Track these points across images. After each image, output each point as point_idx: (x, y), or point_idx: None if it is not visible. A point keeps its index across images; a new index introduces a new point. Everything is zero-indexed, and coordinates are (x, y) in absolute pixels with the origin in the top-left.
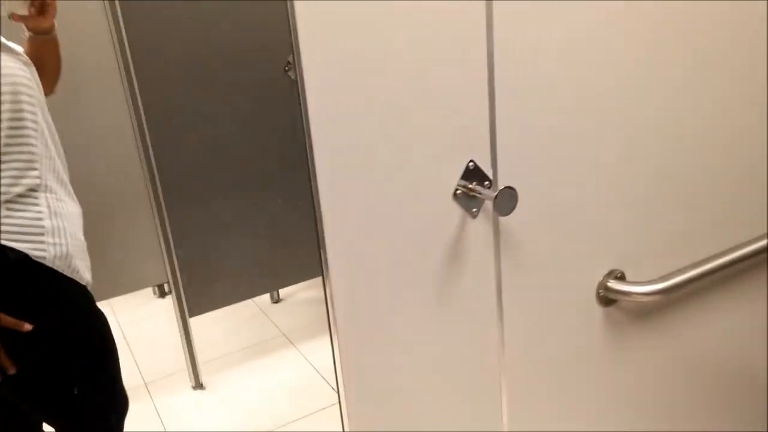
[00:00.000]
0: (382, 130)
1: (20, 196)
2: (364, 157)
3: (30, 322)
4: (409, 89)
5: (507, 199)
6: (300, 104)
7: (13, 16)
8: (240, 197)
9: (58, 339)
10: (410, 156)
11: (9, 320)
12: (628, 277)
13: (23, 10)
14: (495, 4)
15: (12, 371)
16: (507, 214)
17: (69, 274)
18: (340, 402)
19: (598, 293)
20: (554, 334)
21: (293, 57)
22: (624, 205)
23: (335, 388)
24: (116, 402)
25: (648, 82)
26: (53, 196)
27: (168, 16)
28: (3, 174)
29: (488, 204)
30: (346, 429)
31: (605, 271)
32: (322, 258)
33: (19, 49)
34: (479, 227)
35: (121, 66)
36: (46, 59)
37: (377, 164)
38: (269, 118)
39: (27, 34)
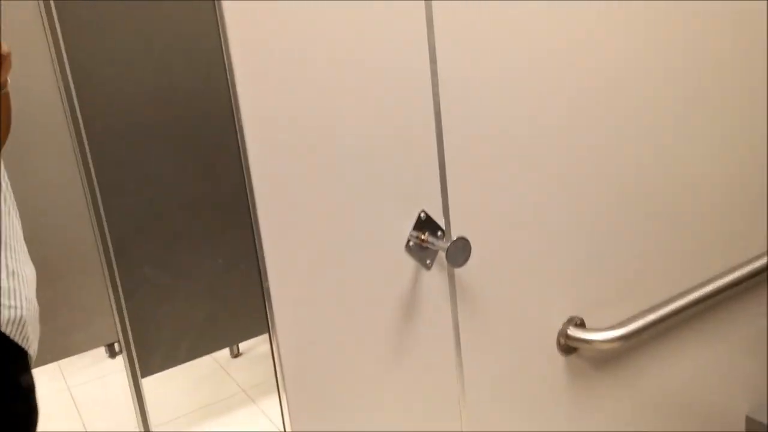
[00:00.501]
0: (328, 181)
1: None
2: (310, 208)
3: None
4: (355, 136)
5: (460, 250)
6: (241, 160)
7: None
8: (190, 254)
9: None
10: (359, 207)
11: None
12: (588, 324)
13: None
14: (438, 46)
15: None
16: (461, 265)
17: (18, 342)
18: None
19: (559, 341)
20: (516, 385)
21: (233, 111)
22: (580, 251)
23: None
24: None
25: (598, 127)
26: (12, 255)
27: (119, 74)
28: None
29: (442, 255)
30: None
31: (564, 319)
32: (268, 315)
33: None
34: (434, 278)
35: (71, 123)
36: None
37: (324, 215)
38: (216, 174)
39: None
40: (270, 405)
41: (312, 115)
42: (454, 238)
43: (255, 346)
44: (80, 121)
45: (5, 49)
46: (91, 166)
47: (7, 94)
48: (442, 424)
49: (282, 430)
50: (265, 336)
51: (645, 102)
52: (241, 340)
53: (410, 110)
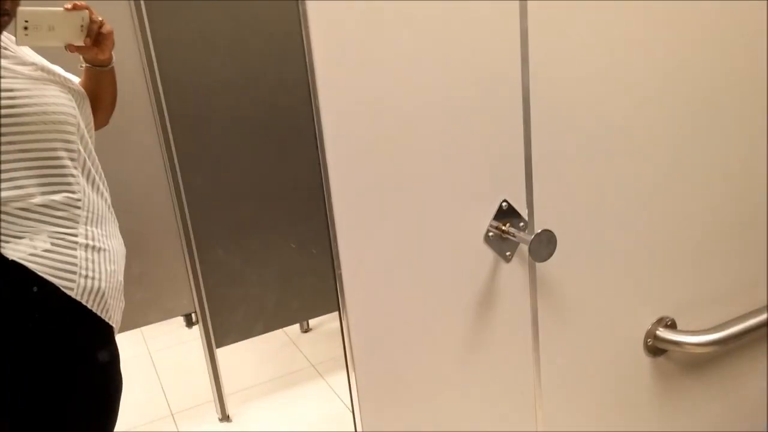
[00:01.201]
0: (406, 168)
1: (61, 228)
2: (387, 195)
3: (41, 360)
4: (437, 124)
5: (544, 243)
6: (318, 145)
7: (69, 47)
8: (267, 231)
9: (62, 381)
10: (438, 195)
11: None
12: (680, 326)
13: (79, 41)
14: (530, 39)
15: None
16: (545, 259)
17: (98, 312)
18: None
19: (646, 342)
20: (597, 386)
21: (311, 97)
22: (675, 248)
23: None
24: None
25: (702, 119)
26: (97, 230)
27: (198, 53)
28: (37, 190)
29: (523, 247)
30: None
31: (654, 319)
32: (340, 300)
33: (76, 79)
34: (513, 272)
35: (155, 107)
36: (101, 91)
37: (400, 202)
38: (291, 156)
39: (83, 65)
40: (337, 381)
41: (392, 103)
42: (538, 231)
43: (325, 323)
44: (164, 104)
45: (108, 27)
46: (173, 148)
47: (111, 71)
48: (516, 422)
49: (350, 406)
50: (335, 314)
51: (745, 100)
52: (311, 317)
53: (497, 98)
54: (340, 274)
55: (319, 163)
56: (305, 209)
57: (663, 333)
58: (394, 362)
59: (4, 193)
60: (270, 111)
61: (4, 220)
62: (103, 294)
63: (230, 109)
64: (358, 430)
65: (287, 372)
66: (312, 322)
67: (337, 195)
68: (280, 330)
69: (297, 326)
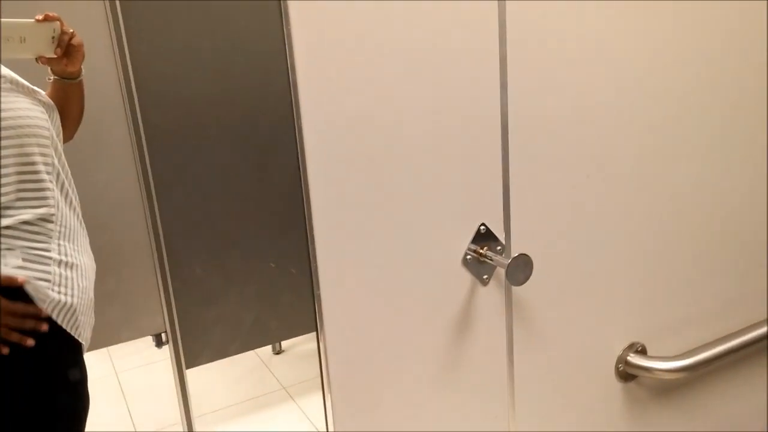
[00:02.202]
0: (386, 189)
1: (35, 243)
2: (365, 215)
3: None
4: (418, 146)
5: (521, 267)
6: (299, 163)
7: (40, 59)
8: (240, 251)
9: (29, 397)
10: (417, 217)
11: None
12: (650, 351)
13: (50, 53)
14: (509, 65)
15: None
16: (521, 283)
17: (68, 329)
18: None
19: (617, 368)
20: (569, 410)
21: (293, 113)
22: (645, 275)
23: None
24: None
25: (677, 140)
26: (69, 245)
27: (176, 66)
28: (17, 209)
29: (500, 271)
30: None
31: (625, 344)
32: (318, 321)
33: (42, 92)
34: (489, 295)
35: (130, 119)
36: (68, 104)
37: (380, 224)
38: (270, 171)
39: (51, 77)
40: (309, 403)
41: (373, 123)
42: (515, 255)
43: (297, 344)
44: (139, 117)
45: (79, 39)
46: (147, 162)
47: (80, 83)
48: None
49: (324, 430)
50: (308, 336)
51: (723, 125)
52: (286, 338)
53: (475, 121)
54: (319, 294)
55: (300, 182)
56: (285, 228)
57: (633, 359)
58: (370, 383)
59: None
60: (250, 126)
61: None
62: (75, 310)
63: (209, 122)
64: None
65: (258, 394)
66: (284, 343)
67: (317, 214)
68: (252, 351)
69: (269, 348)
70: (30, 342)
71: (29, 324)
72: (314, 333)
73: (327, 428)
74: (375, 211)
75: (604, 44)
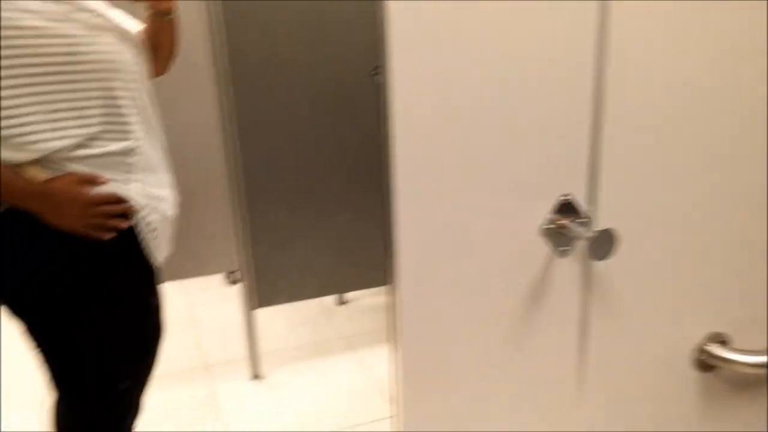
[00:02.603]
0: (470, 150)
1: (119, 172)
2: (447, 176)
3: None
4: (504, 108)
5: (605, 242)
6: (382, 112)
7: None
8: (318, 198)
9: (110, 316)
10: (499, 182)
11: (85, 176)
12: (734, 343)
13: None
14: (610, 31)
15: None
16: (602, 258)
17: (146, 253)
18: (396, 421)
19: (696, 356)
20: (641, 394)
21: (382, 64)
22: (738, 264)
23: (389, 401)
24: (131, 399)
25: None
26: (150, 178)
27: (262, 17)
28: (100, 140)
29: (581, 244)
30: None
31: (707, 333)
32: (393, 275)
33: (137, 26)
34: (568, 268)
35: (218, 58)
36: (162, 39)
37: (460, 186)
38: (353, 123)
39: (147, 12)
40: (368, 356)
41: (461, 87)
42: (600, 229)
43: (360, 298)
44: (227, 61)
45: None
46: (233, 106)
47: (173, 20)
48: (556, 420)
49: (389, 383)
50: (371, 290)
51: None
52: (357, 289)
53: (566, 88)
54: (395, 250)
55: (385, 138)
56: (365, 181)
57: (714, 349)
58: (439, 343)
59: (68, 141)
60: (337, 79)
61: (66, 164)
62: (153, 237)
63: (294, 72)
64: (398, 404)
65: (319, 341)
66: (348, 295)
67: (400, 171)
68: (316, 300)
69: (333, 298)
70: (125, 224)
71: (118, 214)
72: (381, 288)
73: (394, 382)
74: (457, 173)
75: (715, 19)
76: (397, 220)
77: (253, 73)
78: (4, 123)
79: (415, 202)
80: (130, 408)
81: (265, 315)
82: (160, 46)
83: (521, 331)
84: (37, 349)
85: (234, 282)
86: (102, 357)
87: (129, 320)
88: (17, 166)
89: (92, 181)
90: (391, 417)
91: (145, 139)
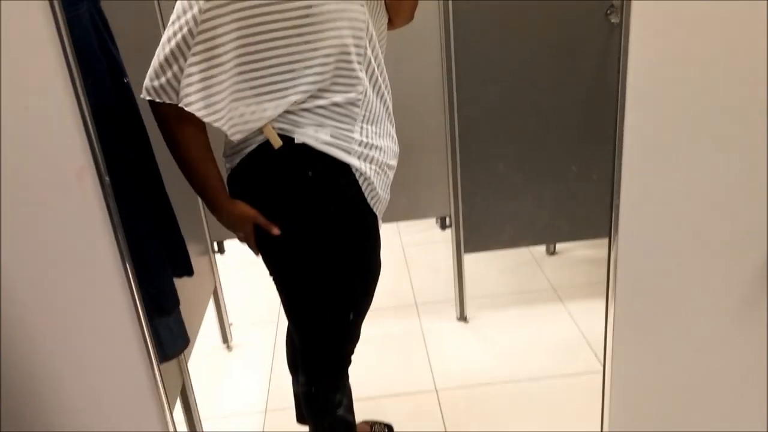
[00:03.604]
0: (706, 101)
1: (342, 123)
2: (678, 139)
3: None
4: (736, 81)
5: None
6: (620, 54)
7: None
8: (533, 148)
9: (331, 255)
10: (729, 149)
11: (262, 221)
12: None
13: None
14: None
15: (276, 231)
16: None
17: (368, 201)
18: (604, 376)
19: None
20: None
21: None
22: None
23: (597, 355)
24: (352, 329)
25: None
26: (372, 128)
27: None
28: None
29: None
30: (606, 404)
31: None
32: (613, 225)
33: None
34: None
35: (441, 19)
36: None
37: (692, 141)
38: (582, 69)
39: None
40: (575, 308)
41: (707, 29)
42: None
43: (570, 249)
44: (450, 13)
45: None
46: (453, 56)
47: None
48: None
49: (585, 335)
50: (583, 243)
51: None
52: (570, 240)
53: None
54: (618, 204)
55: (617, 94)
56: (587, 134)
57: None
58: (656, 302)
59: (303, 95)
60: (567, 20)
61: (297, 114)
62: (374, 185)
63: (517, 21)
64: (607, 356)
65: (527, 290)
66: (559, 246)
67: (629, 129)
68: (526, 248)
69: (543, 248)
70: (275, 231)
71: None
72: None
73: (605, 335)
74: (689, 135)
75: None
76: (623, 173)
77: (475, 24)
78: (254, 82)
79: (642, 155)
80: (351, 336)
81: (475, 260)
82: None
83: (750, 302)
84: (273, 279)
85: (444, 227)
86: (326, 291)
87: (352, 259)
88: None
89: (267, 227)
90: (599, 373)
91: (371, 91)
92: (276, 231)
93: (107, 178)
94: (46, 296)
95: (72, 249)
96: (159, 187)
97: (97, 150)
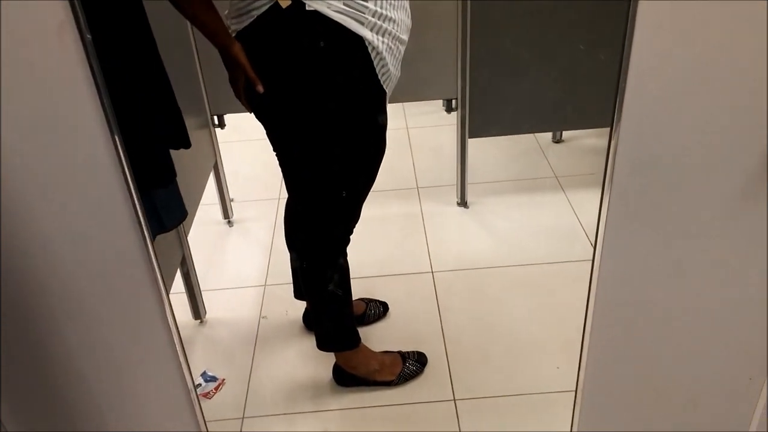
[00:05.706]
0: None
1: None
2: (693, 9)
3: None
4: None
5: None
6: None
7: None
8: (544, 34)
9: (339, 127)
10: (739, 37)
11: (250, 74)
12: None
13: None
14: None
15: (260, 89)
16: None
17: (379, 75)
18: (592, 266)
19: None
20: None
21: None
22: None
23: (593, 244)
24: (351, 207)
25: None
26: (387, 1)
27: None
28: None
29: None
30: (593, 289)
31: None
32: (617, 112)
33: None
34: None
35: None
36: None
37: (706, 24)
38: None
39: None
40: (576, 197)
41: None
42: None
43: (577, 137)
44: None
45: None
46: None
47: None
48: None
49: (582, 224)
50: (590, 131)
51: None
52: (575, 128)
53: None
54: (624, 88)
55: None
56: (602, 12)
57: None
58: (654, 191)
59: None
60: None
61: None
62: (385, 60)
63: None
64: (598, 243)
65: (529, 177)
66: (566, 134)
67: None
68: (532, 135)
69: (549, 135)
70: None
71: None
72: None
73: (598, 223)
74: (701, 22)
75: None
76: (632, 56)
77: None
78: None
79: (654, 40)
80: (349, 215)
81: (480, 146)
82: None
83: (751, 190)
84: (276, 152)
85: (450, 110)
86: (330, 166)
87: (355, 135)
88: None
89: (253, 81)
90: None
91: None
92: (260, 88)
93: (89, 36)
94: (29, 164)
95: (53, 114)
96: (151, 50)
97: (76, 3)
